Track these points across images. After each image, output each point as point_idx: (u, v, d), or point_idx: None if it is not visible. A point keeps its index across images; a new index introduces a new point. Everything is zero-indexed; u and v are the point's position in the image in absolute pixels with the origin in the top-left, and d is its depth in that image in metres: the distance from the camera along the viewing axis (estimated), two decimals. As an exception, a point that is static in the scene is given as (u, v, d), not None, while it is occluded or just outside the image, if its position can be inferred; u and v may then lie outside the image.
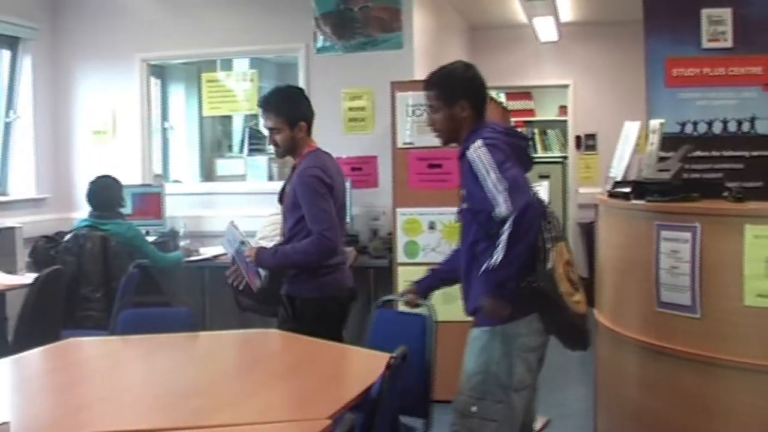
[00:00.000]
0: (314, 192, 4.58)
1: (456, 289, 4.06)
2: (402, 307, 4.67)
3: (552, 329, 3.80)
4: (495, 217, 3.54)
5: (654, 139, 4.90)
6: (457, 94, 3.85)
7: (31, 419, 2.96)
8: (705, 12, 6.13)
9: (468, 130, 3.83)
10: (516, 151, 3.75)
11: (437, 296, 4.41)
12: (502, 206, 3.50)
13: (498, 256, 3.50)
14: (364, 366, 3.58)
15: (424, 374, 4.16)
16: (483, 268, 3.59)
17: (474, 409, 3.73)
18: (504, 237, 3.49)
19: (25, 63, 8.13)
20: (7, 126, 8.08)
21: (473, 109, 3.86)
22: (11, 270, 6.29)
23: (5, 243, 6.35)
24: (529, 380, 3.80)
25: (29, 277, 6.25)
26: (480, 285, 3.68)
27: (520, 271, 3.57)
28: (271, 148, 10.31)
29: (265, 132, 4.87)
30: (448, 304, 4.70)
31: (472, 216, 3.79)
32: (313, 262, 4.60)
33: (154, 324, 4.42)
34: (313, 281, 4.66)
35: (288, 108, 4.73)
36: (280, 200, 4.85)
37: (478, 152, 3.65)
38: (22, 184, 8.15)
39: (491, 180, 3.56)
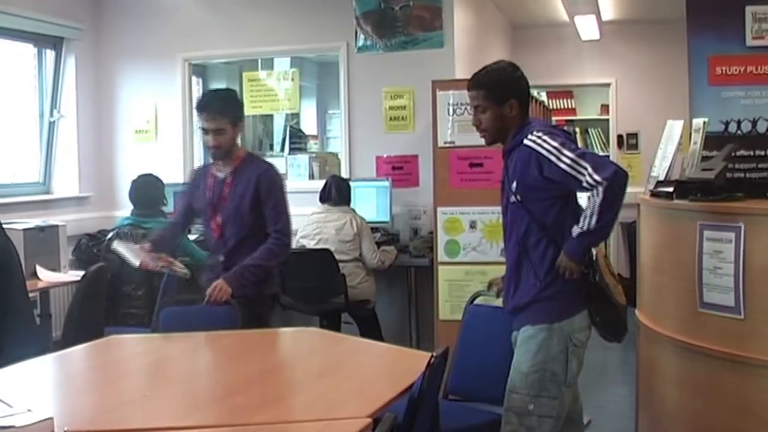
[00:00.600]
0: (283, 191, 4.86)
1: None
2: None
3: (598, 322, 3.82)
4: (583, 190, 3.60)
5: (697, 138, 4.86)
6: (506, 93, 3.87)
7: (74, 415, 2.99)
8: (750, 9, 6.04)
9: (515, 129, 3.85)
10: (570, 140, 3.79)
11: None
12: (592, 176, 3.54)
13: (591, 220, 3.57)
14: (404, 365, 3.58)
15: (509, 363, 4.17)
16: (576, 231, 3.63)
17: (531, 407, 3.75)
18: (597, 203, 3.54)
19: (69, 63, 8.22)
20: (51, 125, 8.17)
21: (521, 108, 3.89)
22: (54, 267, 6.34)
23: (49, 241, 6.40)
24: (578, 374, 3.86)
25: (73, 275, 6.31)
26: (569, 245, 3.69)
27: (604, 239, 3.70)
28: (312, 146, 10.43)
29: (205, 134, 4.84)
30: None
31: (525, 209, 3.79)
32: (279, 260, 4.83)
33: (196, 321, 4.45)
34: (272, 278, 4.94)
35: (232, 109, 4.84)
36: (217, 205, 4.87)
37: (540, 140, 3.69)
38: (66, 182, 8.23)
39: (567, 159, 3.61)
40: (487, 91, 3.88)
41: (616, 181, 3.53)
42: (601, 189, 3.51)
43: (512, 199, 3.85)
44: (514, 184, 3.82)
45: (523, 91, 3.94)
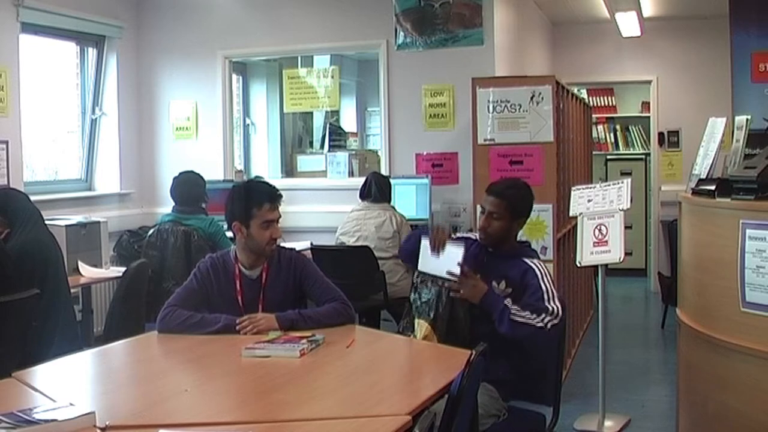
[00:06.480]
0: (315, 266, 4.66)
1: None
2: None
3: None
4: (539, 309, 4.03)
5: (740, 135, 4.82)
6: (523, 212, 4.40)
7: (116, 409, 3.01)
8: (794, 5, 5.99)
9: (511, 243, 4.40)
10: None
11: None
12: (555, 305, 4.04)
13: (540, 322, 3.99)
14: (444, 362, 3.58)
15: (556, 364, 4.20)
16: (533, 320, 4.00)
17: None
18: (549, 319, 3.99)
19: (111, 61, 8.30)
20: (93, 123, 8.25)
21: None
22: (96, 263, 6.39)
23: (91, 237, 6.45)
24: None
25: (114, 271, 6.36)
26: (501, 304, 4.05)
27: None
28: (351, 143, 10.45)
29: None
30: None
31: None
32: (337, 322, 4.36)
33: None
34: None
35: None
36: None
37: (542, 269, 4.21)
38: (108, 179, 8.31)
39: (551, 289, 4.15)
40: (509, 204, 4.27)
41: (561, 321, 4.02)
42: (557, 317, 3.97)
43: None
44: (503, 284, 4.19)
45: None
